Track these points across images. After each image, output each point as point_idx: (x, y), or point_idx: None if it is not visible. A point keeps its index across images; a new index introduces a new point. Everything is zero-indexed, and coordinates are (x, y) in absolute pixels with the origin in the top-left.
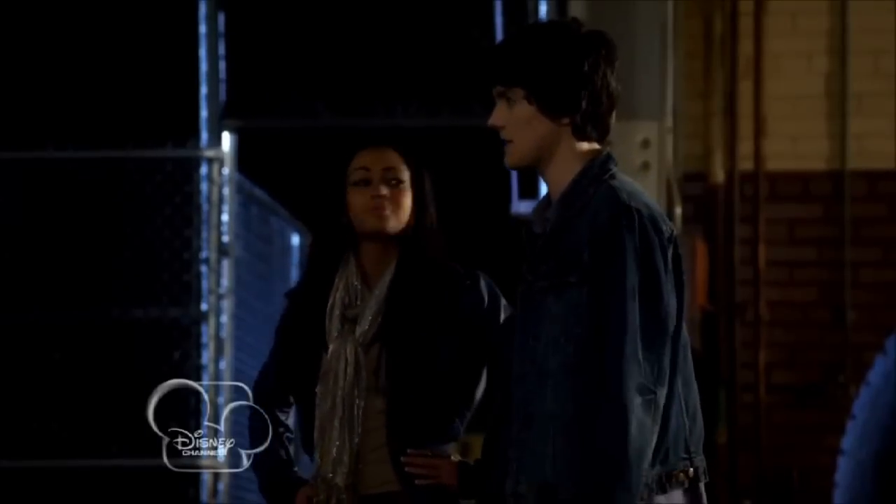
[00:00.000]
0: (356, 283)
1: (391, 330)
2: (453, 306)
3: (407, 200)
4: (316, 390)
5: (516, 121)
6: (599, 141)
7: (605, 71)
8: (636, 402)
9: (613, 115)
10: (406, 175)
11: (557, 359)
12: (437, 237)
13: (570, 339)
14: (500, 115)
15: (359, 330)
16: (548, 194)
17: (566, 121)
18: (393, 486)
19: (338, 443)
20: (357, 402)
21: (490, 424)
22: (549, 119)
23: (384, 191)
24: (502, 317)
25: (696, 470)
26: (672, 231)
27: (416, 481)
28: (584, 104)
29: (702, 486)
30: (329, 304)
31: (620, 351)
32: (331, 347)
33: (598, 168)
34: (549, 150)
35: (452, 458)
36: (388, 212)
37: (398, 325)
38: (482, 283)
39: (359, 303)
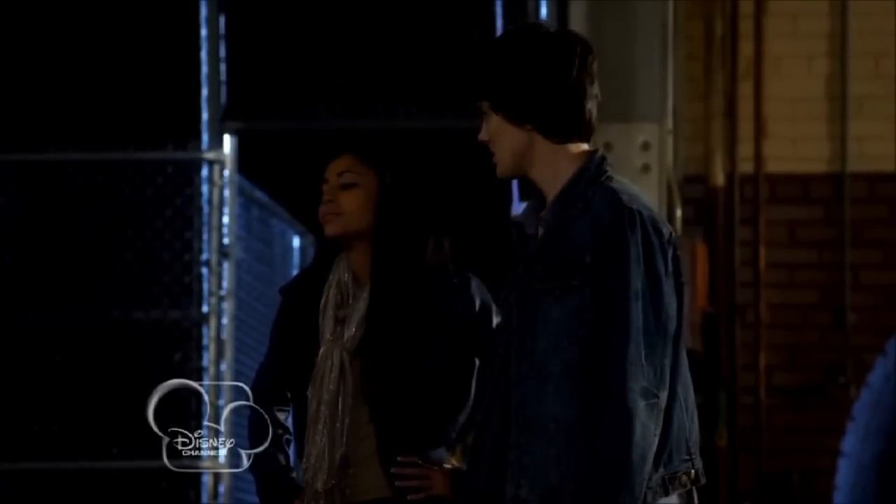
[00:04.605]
0: (347, 282)
1: (374, 336)
2: (441, 309)
3: (353, 201)
4: (307, 393)
5: (492, 134)
6: (583, 140)
7: (567, 70)
8: (640, 405)
9: (589, 112)
10: (359, 176)
11: (559, 361)
12: (416, 234)
13: (573, 342)
14: (482, 131)
15: (346, 334)
16: (538, 196)
17: (529, 127)
18: (384, 492)
19: (318, 448)
20: (342, 407)
21: (477, 428)
22: (515, 126)
23: (329, 197)
24: (494, 317)
25: (696, 471)
26: (671, 233)
27: (409, 496)
28: (545, 107)
29: (695, 488)
30: (322, 303)
31: (624, 354)
32: (321, 350)
33: (594, 169)
34: (526, 156)
35: (445, 465)
36: (329, 217)
37: (381, 331)
38: (473, 285)
39: (350, 302)
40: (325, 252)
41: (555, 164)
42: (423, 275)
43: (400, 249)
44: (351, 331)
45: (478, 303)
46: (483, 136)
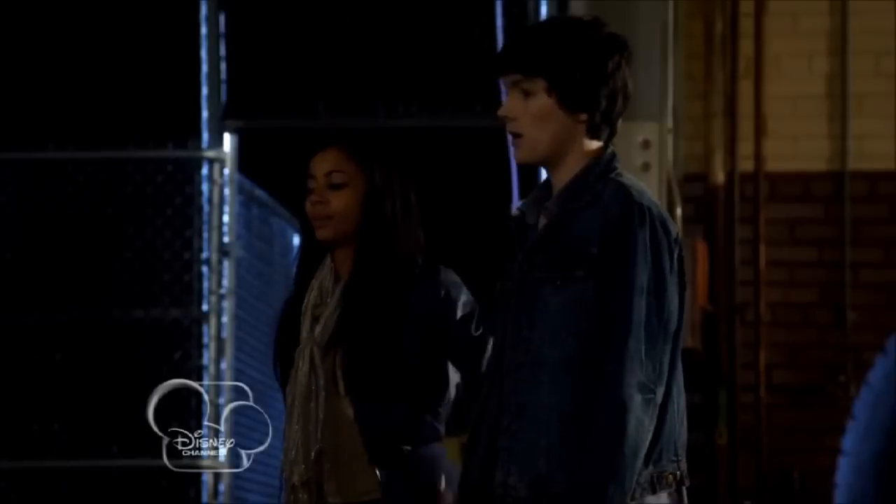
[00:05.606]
0: (328, 283)
1: (346, 331)
2: (408, 300)
3: (345, 202)
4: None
5: (532, 114)
6: (607, 142)
7: (624, 73)
8: (636, 400)
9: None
10: (348, 175)
11: (557, 352)
12: (399, 232)
13: (574, 333)
14: (514, 107)
15: (318, 329)
16: (544, 187)
17: (583, 117)
18: (377, 493)
19: (294, 443)
20: (315, 402)
21: (474, 417)
22: (566, 114)
23: (319, 197)
24: (459, 310)
25: (681, 473)
26: (677, 232)
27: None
28: (603, 102)
29: (684, 489)
30: (304, 304)
31: (624, 348)
32: (297, 348)
33: (604, 164)
34: (561, 146)
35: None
36: (321, 222)
37: (353, 325)
38: (441, 276)
39: (328, 300)
40: (310, 253)
41: (574, 157)
42: (398, 267)
43: (384, 248)
44: (320, 327)
45: (442, 293)
46: (512, 112)
